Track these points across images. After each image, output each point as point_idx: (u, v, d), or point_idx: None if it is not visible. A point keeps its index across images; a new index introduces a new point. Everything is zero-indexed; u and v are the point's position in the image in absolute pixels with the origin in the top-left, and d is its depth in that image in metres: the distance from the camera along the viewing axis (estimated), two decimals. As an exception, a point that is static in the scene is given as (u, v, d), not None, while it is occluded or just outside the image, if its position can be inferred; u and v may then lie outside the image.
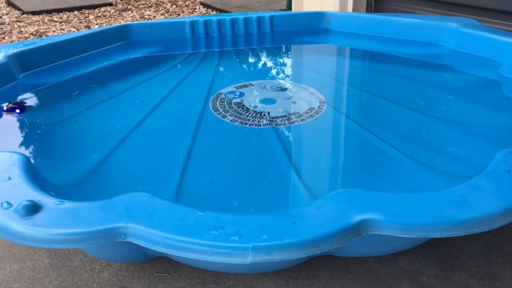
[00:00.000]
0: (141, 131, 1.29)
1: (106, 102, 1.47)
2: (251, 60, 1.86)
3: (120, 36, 1.93)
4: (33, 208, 0.78)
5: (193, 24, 2.00)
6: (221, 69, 1.76)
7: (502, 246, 1.09)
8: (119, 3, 4.02)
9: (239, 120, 1.32)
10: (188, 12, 3.73)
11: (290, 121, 1.32)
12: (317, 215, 0.76)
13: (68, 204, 0.80)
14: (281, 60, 1.88)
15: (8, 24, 3.28)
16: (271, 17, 2.06)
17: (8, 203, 0.80)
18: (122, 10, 3.78)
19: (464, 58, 1.72)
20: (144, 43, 1.95)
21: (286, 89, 1.55)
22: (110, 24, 3.07)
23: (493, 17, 2.18)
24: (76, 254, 1.09)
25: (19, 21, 3.35)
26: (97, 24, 3.33)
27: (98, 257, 1.06)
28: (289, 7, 3.24)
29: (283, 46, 2.03)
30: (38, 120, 1.35)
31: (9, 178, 0.87)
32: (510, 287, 0.98)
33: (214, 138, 1.26)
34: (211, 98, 1.47)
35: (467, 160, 1.11)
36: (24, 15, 3.54)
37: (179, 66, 1.80)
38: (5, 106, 1.08)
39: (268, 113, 1.36)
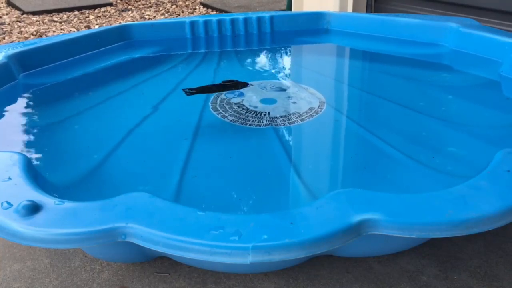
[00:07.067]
0: (141, 131, 1.29)
1: (106, 102, 1.47)
2: (251, 60, 1.86)
3: (120, 36, 1.93)
4: (33, 208, 0.78)
5: (193, 24, 2.00)
6: (221, 69, 1.76)
7: (502, 246, 1.09)
8: (119, 3, 4.02)
9: (239, 120, 1.32)
10: (188, 12, 3.73)
11: (290, 121, 1.32)
12: (317, 215, 0.76)
13: (68, 204, 0.80)
14: (281, 60, 1.88)
15: (8, 24, 3.28)
16: (271, 17, 2.06)
17: (8, 203, 0.80)
18: (122, 10, 3.78)
19: (464, 58, 1.72)
20: (144, 43, 1.95)
21: (286, 89, 1.55)
22: (110, 24, 3.07)
23: (493, 17, 2.18)
24: (76, 254, 1.09)
25: (19, 21, 3.35)
26: (97, 24, 3.33)
27: (98, 257, 1.06)
28: (289, 7, 3.24)
29: (283, 46, 2.03)
30: (38, 120, 1.35)
31: (9, 178, 0.87)
32: (510, 287, 0.98)
33: (214, 138, 1.26)
34: (211, 98, 1.47)
35: (467, 160, 1.11)
36: (24, 15, 3.54)
37: (179, 66, 1.80)
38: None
39: (268, 113, 1.36)
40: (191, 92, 1.20)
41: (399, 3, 2.61)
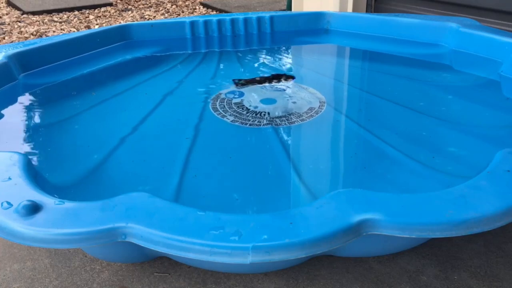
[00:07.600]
0: (141, 131, 1.29)
1: (106, 102, 1.48)
2: (251, 60, 1.86)
3: (120, 36, 1.93)
4: (33, 208, 0.78)
5: (193, 24, 2.00)
6: (221, 69, 1.76)
7: (502, 246, 1.09)
8: (119, 3, 4.02)
9: (239, 120, 1.32)
10: (188, 12, 3.73)
11: (290, 121, 1.32)
12: (317, 215, 0.76)
13: (68, 204, 0.80)
14: (281, 60, 1.88)
15: (8, 24, 3.28)
16: (271, 17, 2.06)
17: (8, 203, 0.80)
18: (122, 10, 3.78)
19: (464, 58, 1.72)
20: (144, 43, 1.95)
21: (286, 89, 1.55)
22: (110, 24, 3.07)
23: (493, 17, 2.18)
24: (76, 254, 1.09)
25: (19, 21, 3.35)
26: (97, 24, 3.33)
27: (98, 257, 1.06)
28: (289, 7, 3.24)
29: (283, 46, 2.03)
30: (38, 120, 1.35)
31: (9, 178, 0.87)
32: (510, 287, 0.98)
33: (214, 138, 1.26)
34: (211, 98, 1.47)
35: (467, 160, 1.11)
36: (24, 15, 3.54)
37: (179, 66, 1.80)
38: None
39: (268, 113, 1.36)
40: (240, 83, 1.32)
41: (399, 3, 2.61)
